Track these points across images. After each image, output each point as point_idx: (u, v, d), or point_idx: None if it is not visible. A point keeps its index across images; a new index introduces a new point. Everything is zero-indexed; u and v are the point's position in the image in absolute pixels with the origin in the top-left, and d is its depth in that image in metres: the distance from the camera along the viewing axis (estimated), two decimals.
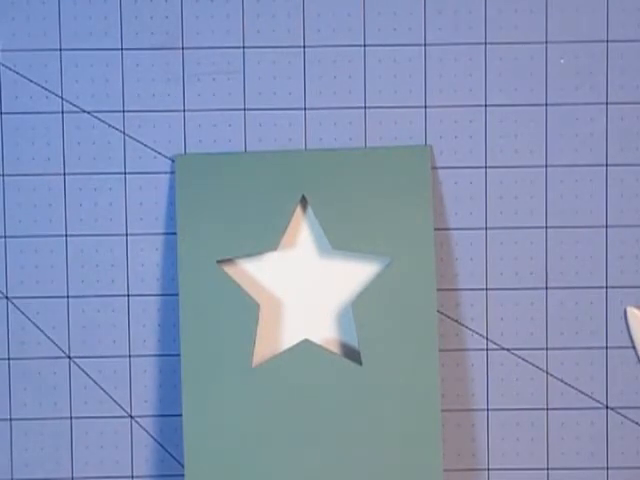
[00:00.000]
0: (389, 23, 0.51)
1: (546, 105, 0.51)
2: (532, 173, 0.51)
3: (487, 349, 0.52)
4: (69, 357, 0.52)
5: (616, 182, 0.51)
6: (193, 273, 0.50)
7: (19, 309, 0.52)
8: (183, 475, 0.50)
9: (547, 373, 0.52)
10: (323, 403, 0.50)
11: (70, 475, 0.52)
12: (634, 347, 0.51)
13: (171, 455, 0.52)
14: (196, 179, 0.51)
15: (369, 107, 0.51)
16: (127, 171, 0.52)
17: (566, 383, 0.52)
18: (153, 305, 0.51)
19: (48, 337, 0.52)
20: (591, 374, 0.52)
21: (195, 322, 0.50)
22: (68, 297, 0.52)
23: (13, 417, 0.52)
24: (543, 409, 0.52)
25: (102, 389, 0.52)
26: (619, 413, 0.52)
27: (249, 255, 0.51)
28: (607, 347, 0.52)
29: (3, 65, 0.51)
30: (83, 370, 0.52)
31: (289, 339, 0.51)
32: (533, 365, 0.52)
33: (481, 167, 0.52)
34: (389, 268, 0.50)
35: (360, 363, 0.51)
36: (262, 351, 0.51)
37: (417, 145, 0.51)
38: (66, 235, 0.52)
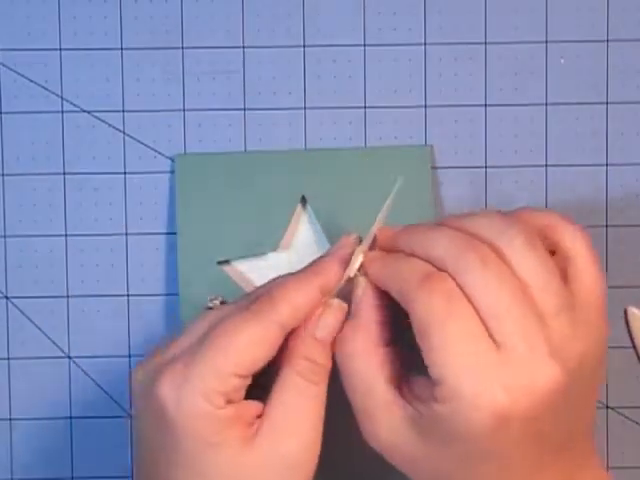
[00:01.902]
0: (389, 23, 0.51)
1: (546, 105, 0.51)
2: (532, 173, 0.51)
3: None
4: (69, 357, 0.52)
5: (616, 182, 0.51)
6: (193, 273, 0.50)
7: (19, 309, 0.52)
8: None
9: None
10: None
11: (70, 475, 0.52)
12: (634, 347, 0.51)
13: None
14: (196, 179, 0.51)
15: (369, 107, 0.51)
16: (127, 171, 0.52)
17: None
18: (153, 305, 0.51)
19: (48, 337, 0.52)
20: None
21: None
22: (68, 297, 0.52)
23: (13, 417, 0.52)
24: None
25: (103, 390, 0.51)
26: (619, 413, 0.52)
27: (249, 255, 0.51)
28: (607, 347, 0.52)
29: (3, 65, 0.51)
30: (83, 370, 0.52)
31: None
32: None
33: (481, 167, 0.52)
34: None
35: None
36: None
37: (417, 145, 0.51)
38: (66, 235, 0.52)
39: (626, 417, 0.52)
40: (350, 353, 0.40)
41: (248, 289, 0.50)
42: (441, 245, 0.38)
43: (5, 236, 0.52)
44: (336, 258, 0.42)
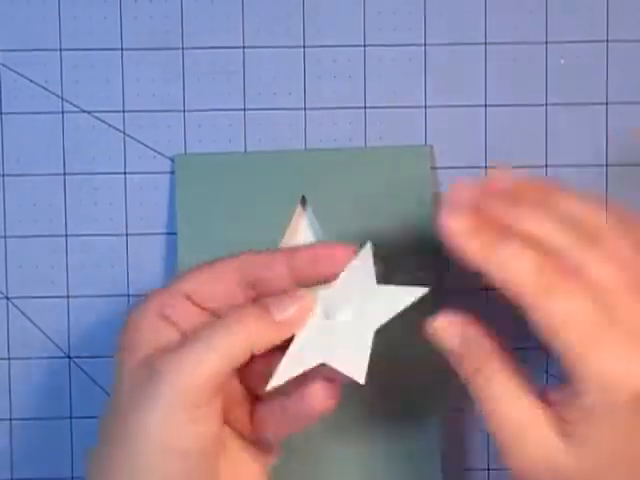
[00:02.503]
0: (389, 23, 0.51)
1: (546, 105, 0.51)
2: (532, 173, 0.51)
3: None
4: (69, 357, 0.52)
5: (616, 182, 0.51)
6: None
7: (19, 309, 0.52)
8: None
9: (547, 373, 0.52)
10: None
11: (70, 475, 0.52)
12: None
13: None
14: (196, 179, 0.51)
15: (369, 107, 0.51)
16: (127, 171, 0.52)
17: None
18: None
19: (48, 337, 0.52)
20: None
21: None
22: (68, 297, 0.52)
23: (13, 417, 0.52)
24: None
25: (103, 389, 0.52)
26: None
27: None
28: None
29: (3, 65, 0.51)
30: (83, 370, 0.52)
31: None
32: (532, 364, 0.52)
33: (481, 167, 0.52)
34: None
35: None
36: None
37: (417, 145, 0.51)
38: (66, 235, 0.52)
39: None
40: (488, 380, 0.41)
41: None
42: (550, 227, 0.40)
43: (5, 236, 0.52)
44: (320, 249, 0.42)
